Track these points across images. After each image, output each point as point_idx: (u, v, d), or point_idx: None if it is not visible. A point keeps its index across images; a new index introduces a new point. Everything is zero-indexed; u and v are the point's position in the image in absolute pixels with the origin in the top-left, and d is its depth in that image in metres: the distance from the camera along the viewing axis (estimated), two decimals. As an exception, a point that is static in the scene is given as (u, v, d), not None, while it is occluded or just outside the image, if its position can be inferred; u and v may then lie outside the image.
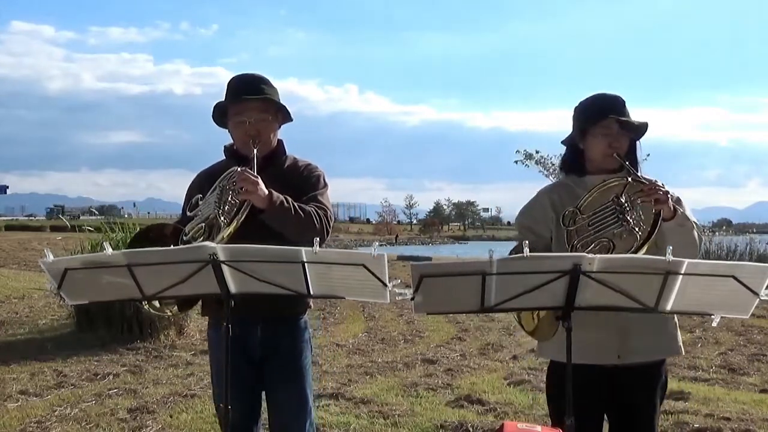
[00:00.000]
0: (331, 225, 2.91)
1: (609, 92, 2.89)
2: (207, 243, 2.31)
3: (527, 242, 2.16)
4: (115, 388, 6.02)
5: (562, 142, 2.96)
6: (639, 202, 2.65)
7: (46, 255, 2.33)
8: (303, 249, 2.23)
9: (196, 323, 8.67)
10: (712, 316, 2.29)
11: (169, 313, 3.02)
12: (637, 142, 2.92)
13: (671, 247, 2.13)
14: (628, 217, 2.63)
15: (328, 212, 2.91)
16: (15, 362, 6.94)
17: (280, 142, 3.06)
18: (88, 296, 2.50)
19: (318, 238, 2.25)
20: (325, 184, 3.04)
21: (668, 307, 2.24)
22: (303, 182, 2.98)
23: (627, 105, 2.87)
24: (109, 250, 2.26)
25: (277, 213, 2.75)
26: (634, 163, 2.87)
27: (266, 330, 2.92)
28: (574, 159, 2.95)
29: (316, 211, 2.84)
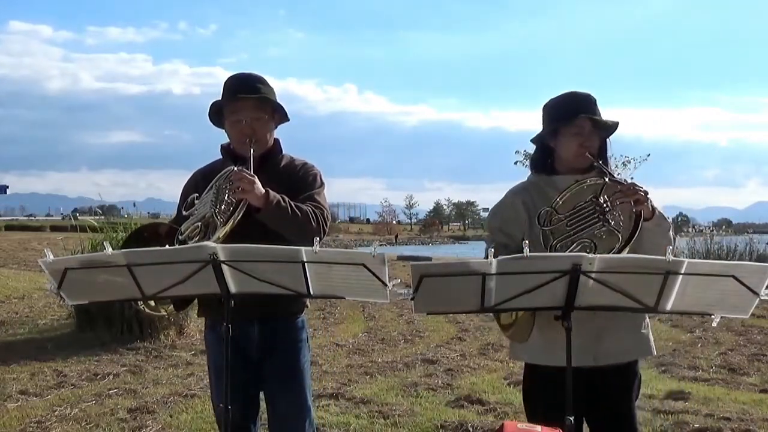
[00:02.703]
0: (328, 224, 2.90)
1: (579, 90, 2.88)
2: (207, 243, 2.31)
3: (527, 242, 2.16)
4: (115, 388, 6.02)
5: (531, 141, 2.94)
6: (618, 202, 2.64)
7: (46, 255, 2.33)
8: (303, 249, 2.23)
9: (196, 323, 8.67)
10: (712, 316, 2.29)
11: (164, 313, 3.03)
12: (607, 140, 2.90)
13: (670, 247, 2.14)
14: (609, 218, 2.63)
15: (325, 211, 2.91)
16: (15, 362, 6.94)
17: (276, 141, 3.06)
18: (88, 296, 2.50)
19: (316, 238, 2.25)
20: (322, 183, 3.03)
21: (668, 307, 2.24)
22: (299, 181, 2.97)
23: (599, 104, 2.85)
24: (109, 250, 2.26)
25: (273, 212, 2.74)
26: (605, 161, 2.86)
27: (263, 330, 2.92)
28: (544, 158, 2.93)
29: (312, 210, 2.84)
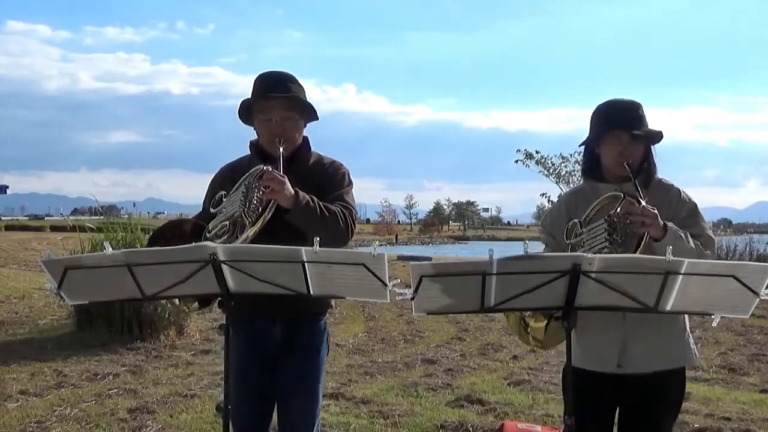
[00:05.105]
0: (356, 224, 2.88)
1: (623, 98, 2.86)
2: (207, 243, 2.31)
3: (527, 242, 2.16)
4: (115, 388, 6.01)
5: (580, 145, 2.95)
6: (628, 221, 2.62)
7: (46, 255, 2.33)
8: (303, 249, 2.23)
9: (196, 323, 8.67)
10: (712, 316, 2.29)
11: (187, 310, 3.02)
12: (652, 147, 2.86)
13: (671, 247, 2.13)
14: (615, 237, 2.62)
15: (353, 211, 2.88)
16: (15, 362, 6.93)
17: (305, 139, 3.03)
18: (88, 296, 2.50)
19: (316, 238, 2.24)
20: (350, 182, 3.01)
21: (668, 307, 2.23)
22: (328, 180, 2.95)
23: (642, 109, 2.83)
24: (109, 250, 2.26)
25: (302, 213, 2.72)
26: (650, 168, 2.83)
27: (286, 330, 2.91)
28: (591, 163, 2.93)
29: (341, 210, 2.82)
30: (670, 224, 2.62)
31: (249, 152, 3.06)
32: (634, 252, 2.56)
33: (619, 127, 2.77)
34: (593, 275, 2.17)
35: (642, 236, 2.58)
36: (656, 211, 2.59)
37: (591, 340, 2.68)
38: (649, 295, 2.22)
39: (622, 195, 2.69)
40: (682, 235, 2.63)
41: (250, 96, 2.99)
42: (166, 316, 8.07)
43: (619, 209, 2.66)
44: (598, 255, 2.22)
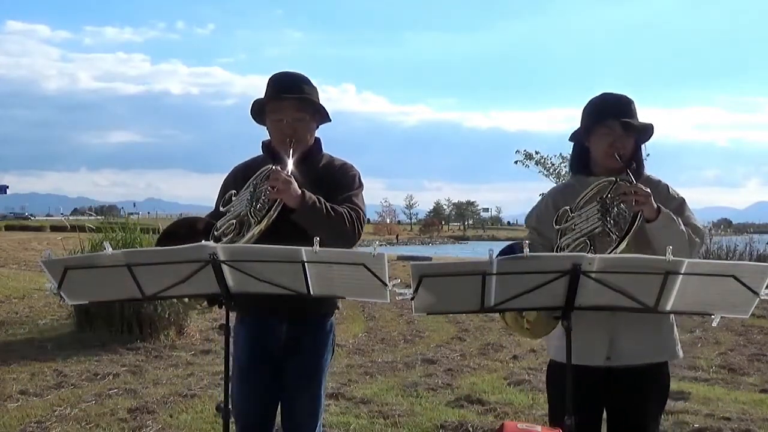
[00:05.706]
0: (363, 226, 2.88)
1: (616, 92, 2.87)
2: (207, 243, 2.31)
3: (527, 242, 2.16)
4: (115, 388, 6.02)
5: (569, 139, 2.94)
6: (620, 202, 2.64)
7: (46, 255, 2.33)
8: (303, 248, 2.23)
9: (196, 323, 8.66)
10: (712, 316, 2.29)
11: (198, 307, 3.02)
12: (643, 145, 2.89)
13: (671, 247, 2.13)
14: (608, 218, 2.63)
15: (361, 213, 2.88)
16: (15, 362, 6.93)
17: (317, 140, 3.04)
18: (88, 296, 2.50)
19: (316, 239, 2.24)
20: (360, 184, 3.01)
21: (668, 307, 2.24)
22: (338, 181, 2.96)
23: (634, 104, 2.84)
24: (109, 250, 2.26)
25: (308, 213, 2.72)
26: (639, 163, 2.85)
27: (292, 330, 2.90)
28: (581, 158, 2.94)
29: (348, 212, 2.82)
30: (662, 207, 2.64)
31: (261, 152, 3.06)
32: (627, 233, 2.57)
33: (612, 117, 2.78)
34: (593, 275, 2.17)
35: (635, 216, 2.59)
36: (649, 191, 2.60)
37: (580, 335, 2.68)
38: (649, 295, 2.22)
39: (615, 179, 2.70)
40: (675, 218, 2.65)
41: (253, 97, 3.00)
42: (166, 316, 8.08)
43: (612, 191, 2.67)
44: (598, 255, 2.22)
